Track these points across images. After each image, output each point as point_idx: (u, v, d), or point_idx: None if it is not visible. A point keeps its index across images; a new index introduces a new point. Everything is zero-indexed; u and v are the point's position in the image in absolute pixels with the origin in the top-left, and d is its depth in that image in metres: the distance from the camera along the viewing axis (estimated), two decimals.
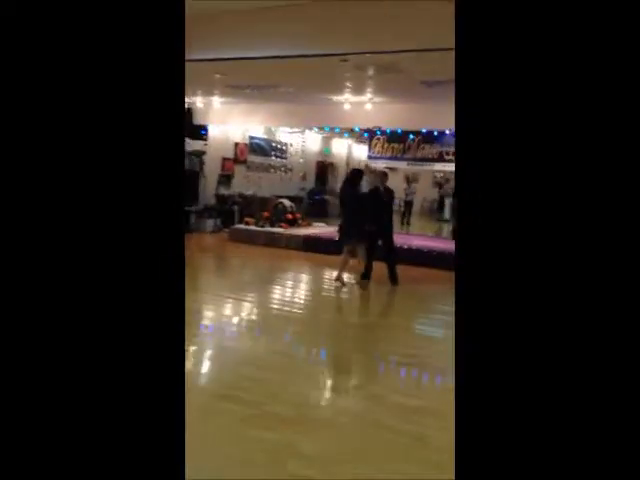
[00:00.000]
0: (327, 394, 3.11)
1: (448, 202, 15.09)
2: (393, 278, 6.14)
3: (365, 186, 6.56)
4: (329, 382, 3.35)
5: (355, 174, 6.12)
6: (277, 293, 5.80)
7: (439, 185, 16.09)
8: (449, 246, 8.02)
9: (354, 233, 5.83)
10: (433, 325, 4.86)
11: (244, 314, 4.83)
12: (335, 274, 6.05)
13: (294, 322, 4.58)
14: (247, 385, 2.99)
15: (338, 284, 5.98)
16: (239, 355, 3.60)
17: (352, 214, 5.84)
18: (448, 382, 3.30)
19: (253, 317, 4.75)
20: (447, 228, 13.16)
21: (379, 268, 6.07)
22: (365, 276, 6.03)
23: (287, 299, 5.58)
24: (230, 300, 5.16)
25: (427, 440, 2.51)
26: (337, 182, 16.20)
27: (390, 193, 6.21)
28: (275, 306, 5.16)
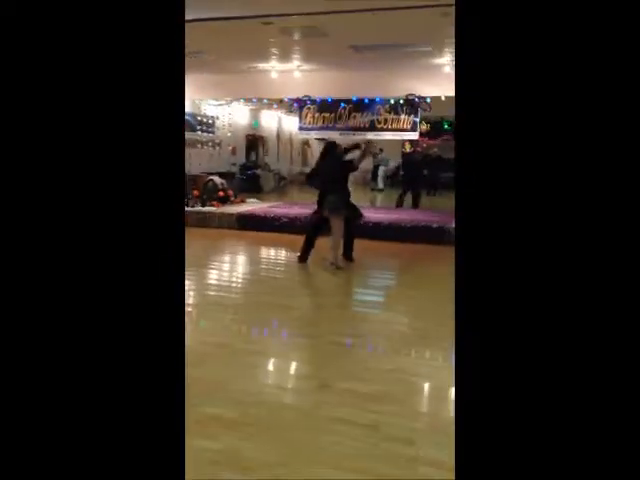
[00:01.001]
0: (270, 389, 2.84)
1: (382, 171, 15.08)
2: (350, 255, 5.78)
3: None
4: (272, 374, 3.10)
5: (335, 145, 5.70)
6: (211, 277, 5.43)
7: (372, 154, 16.01)
8: (385, 216, 7.94)
9: (344, 205, 5.42)
10: (374, 304, 4.72)
11: None
12: (329, 256, 5.50)
13: (231, 308, 4.26)
14: None
15: (333, 268, 5.41)
16: None
17: (342, 186, 5.45)
18: (395, 362, 3.15)
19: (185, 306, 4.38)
20: (380, 198, 13.18)
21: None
22: (348, 254, 5.70)
23: (223, 283, 5.23)
24: None
25: (383, 429, 2.33)
26: (268, 156, 15.76)
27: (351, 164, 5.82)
28: (210, 292, 4.81)
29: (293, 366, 3.20)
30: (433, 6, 4.93)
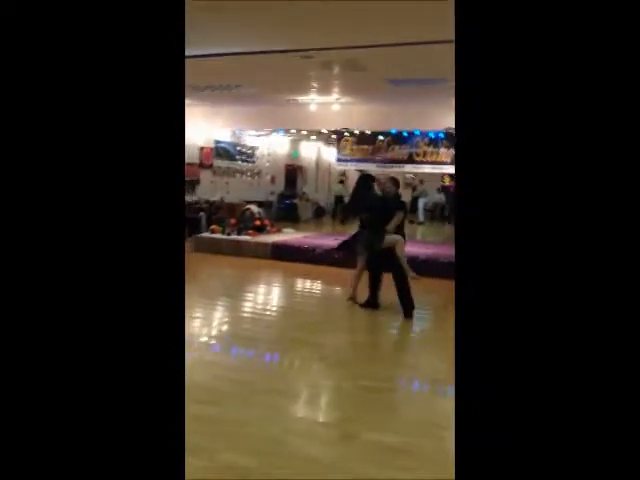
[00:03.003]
0: (291, 437, 2.67)
1: (422, 203, 14.82)
2: (405, 305, 4.92)
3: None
4: (295, 416, 2.93)
5: (369, 177, 5.42)
6: (240, 309, 5.34)
7: (412, 187, 15.81)
8: (427, 251, 7.70)
9: (376, 241, 4.98)
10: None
11: (194, 334, 4.36)
12: (349, 293, 5.27)
13: (258, 343, 4.14)
14: (196, 426, 2.52)
15: (351, 303, 5.19)
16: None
17: (377, 220, 5.00)
18: (429, 414, 2.92)
19: (202, 338, 4.29)
20: (421, 231, 12.90)
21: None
22: (371, 303, 5.11)
23: (250, 315, 5.13)
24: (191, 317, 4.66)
25: None
26: (306, 185, 15.84)
27: (399, 200, 5.36)
28: (238, 324, 4.71)
29: (317, 411, 3.02)
30: None
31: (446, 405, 3.03)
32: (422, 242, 9.97)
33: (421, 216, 14.65)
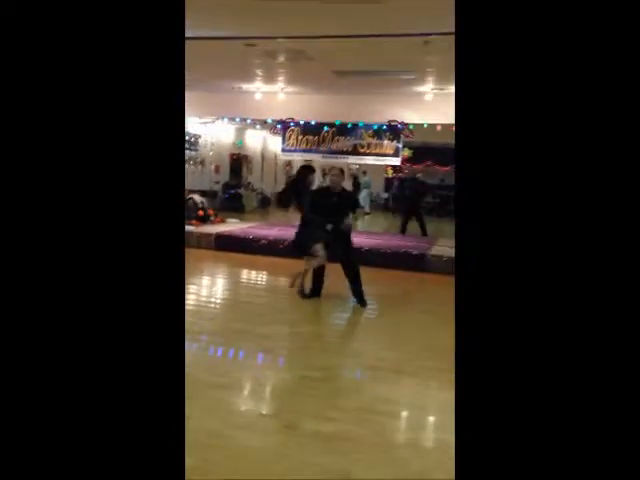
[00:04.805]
0: (231, 430, 2.66)
1: (366, 193, 15.03)
2: (359, 296, 5.07)
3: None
4: (235, 411, 2.92)
5: (307, 170, 5.41)
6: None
7: (354, 177, 15.98)
8: (369, 241, 7.84)
9: (318, 235, 5.00)
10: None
11: None
12: (292, 282, 5.24)
13: (201, 335, 4.08)
14: None
15: (299, 296, 5.16)
16: None
17: (316, 214, 5.03)
18: (369, 401, 3.00)
19: None
20: (362, 221, 13.10)
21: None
22: (315, 292, 5.22)
23: (193, 307, 5.04)
24: None
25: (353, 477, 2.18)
26: (252, 175, 15.64)
27: (346, 192, 5.38)
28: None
29: (259, 403, 3.03)
30: (416, 35, 4.92)
31: (384, 391, 3.12)
32: (366, 232, 10.16)
33: (367, 207, 14.89)
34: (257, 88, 8.39)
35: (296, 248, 5.34)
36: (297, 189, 5.31)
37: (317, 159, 10.04)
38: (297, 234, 5.27)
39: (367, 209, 14.84)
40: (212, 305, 5.21)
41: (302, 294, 5.22)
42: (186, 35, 4.93)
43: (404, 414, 2.91)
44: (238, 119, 11.39)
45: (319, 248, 5.04)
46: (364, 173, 15.21)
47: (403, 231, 9.75)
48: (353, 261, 5.19)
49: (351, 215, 5.31)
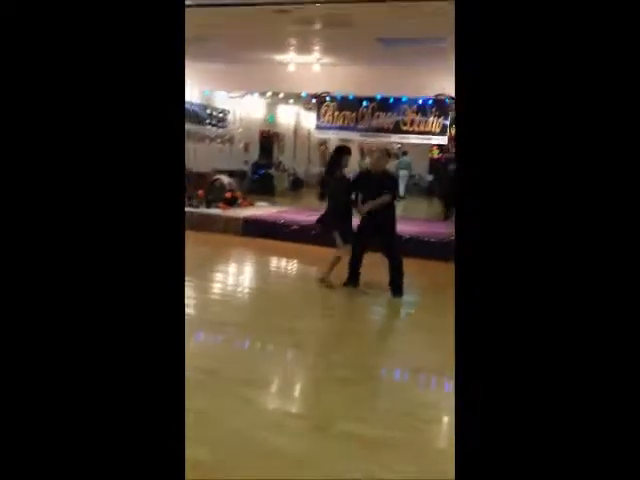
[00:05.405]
0: (258, 430, 2.67)
1: (404, 174, 14.81)
2: (397, 287, 5.10)
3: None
4: (264, 410, 2.92)
5: (343, 149, 5.26)
6: (209, 291, 5.28)
7: (396, 157, 15.80)
8: (412, 228, 7.71)
9: (339, 222, 5.07)
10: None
11: None
12: (320, 273, 5.29)
13: (228, 328, 4.11)
14: None
15: (323, 286, 5.19)
16: None
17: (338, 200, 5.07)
18: (409, 405, 2.95)
19: None
20: (401, 206, 12.92)
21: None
22: (350, 280, 5.23)
23: (221, 298, 5.08)
24: None
25: None
26: (283, 154, 15.66)
27: (389, 177, 5.30)
28: (207, 308, 4.66)
29: (289, 402, 3.02)
30: None
31: (425, 395, 3.06)
32: (404, 219, 10.00)
33: (402, 190, 14.66)
34: (290, 59, 8.31)
35: (320, 227, 5.41)
36: (331, 171, 5.24)
37: (354, 137, 9.92)
38: (323, 215, 5.33)
39: (401, 193, 14.59)
40: (239, 295, 5.24)
41: (324, 282, 5.21)
42: (203, 1, 4.91)
43: (446, 420, 2.85)
44: (269, 93, 11.36)
45: (337, 236, 5.05)
46: (404, 153, 14.99)
47: (446, 217, 9.57)
48: (396, 251, 5.12)
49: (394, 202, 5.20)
